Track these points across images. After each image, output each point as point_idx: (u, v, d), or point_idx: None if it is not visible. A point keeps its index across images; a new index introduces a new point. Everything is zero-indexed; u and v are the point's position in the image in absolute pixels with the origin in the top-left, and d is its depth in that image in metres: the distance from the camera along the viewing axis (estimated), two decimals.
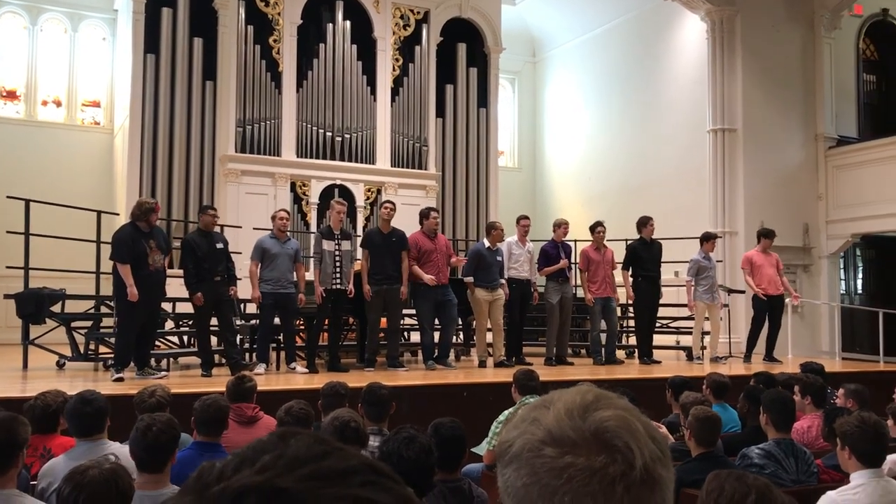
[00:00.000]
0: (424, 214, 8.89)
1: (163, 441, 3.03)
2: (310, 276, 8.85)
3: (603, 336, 9.72)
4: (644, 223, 9.84)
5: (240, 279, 8.36)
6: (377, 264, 8.41)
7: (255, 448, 0.62)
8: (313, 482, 0.58)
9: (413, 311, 9.53)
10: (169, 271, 9.61)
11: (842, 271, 14.59)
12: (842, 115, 14.28)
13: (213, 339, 8.19)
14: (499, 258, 9.05)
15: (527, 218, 9.66)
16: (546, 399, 0.87)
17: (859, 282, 15.39)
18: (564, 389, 0.88)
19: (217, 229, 8.46)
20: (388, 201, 9.07)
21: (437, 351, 8.69)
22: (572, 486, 0.78)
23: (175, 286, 8.55)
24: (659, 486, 0.80)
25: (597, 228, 9.67)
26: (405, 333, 10.70)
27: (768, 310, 10.04)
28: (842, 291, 14.46)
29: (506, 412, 4.90)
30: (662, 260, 9.98)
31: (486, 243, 9.10)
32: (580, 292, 10.30)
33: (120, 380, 6.80)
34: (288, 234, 8.39)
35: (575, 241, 11.65)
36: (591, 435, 0.80)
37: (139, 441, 3.05)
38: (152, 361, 7.74)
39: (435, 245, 8.73)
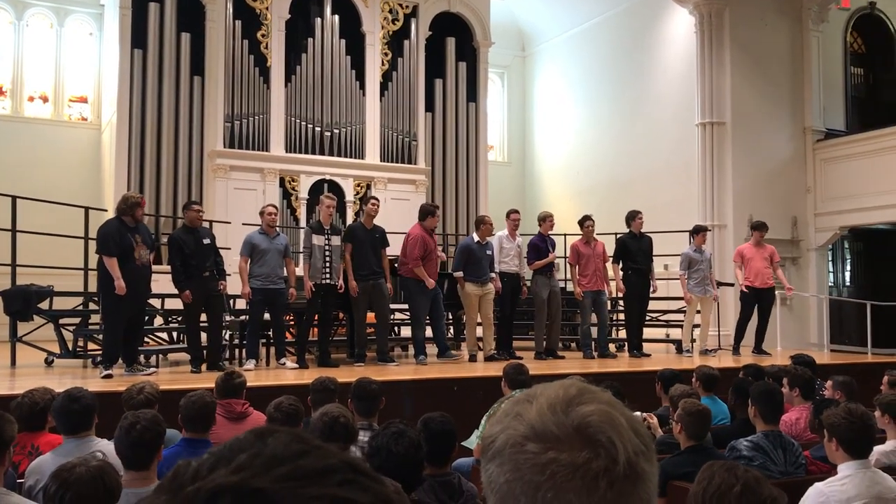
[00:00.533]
0: (430, 212, 8.85)
1: (147, 438, 3.02)
2: (299, 270, 8.82)
3: (594, 330, 9.73)
4: (632, 217, 9.86)
5: (229, 275, 8.34)
6: (361, 259, 8.42)
7: (231, 447, 0.61)
8: (290, 482, 0.57)
9: (402, 306, 9.54)
10: (157, 267, 9.56)
11: (830, 264, 14.67)
12: (829, 109, 14.34)
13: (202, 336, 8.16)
14: (488, 252, 9.05)
15: (517, 212, 9.66)
16: (529, 393, 0.86)
17: (847, 274, 15.48)
18: (548, 384, 0.87)
19: (206, 224, 8.43)
20: (375, 197, 9.08)
21: (437, 347, 8.77)
22: (555, 482, 0.77)
23: (163, 282, 8.52)
24: (642, 480, 0.79)
25: (585, 223, 9.66)
26: (394, 328, 10.70)
27: (756, 302, 10.08)
28: (830, 284, 14.54)
29: (495, 406, 4.91)
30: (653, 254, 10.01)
31: (476, 237, 9.11)
32: (568, 286, 10.32)
33: (109, 376, 6.77)
34: (277, 229, 8.37)
35: (565, 235, 11.67)
36: (574, 430, 0.80)
37: (123, 439, 3.04)
38: (141, 358, 7.71)
39: (434, 243, 8.75)
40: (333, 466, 0.59)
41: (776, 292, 10.46)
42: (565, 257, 10.60)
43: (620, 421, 0.81)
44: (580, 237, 9.74)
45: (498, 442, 0.83)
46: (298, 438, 0.61)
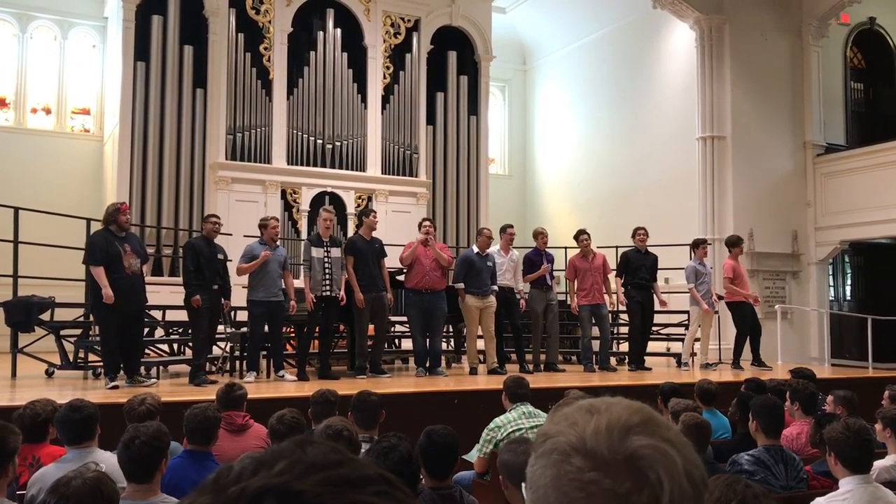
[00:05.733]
0: (418, 224, 9.09)
1: (145, 454, 3.00)
2: (299, 283, 8.83)
3: (596, 343, 9.73)
4: (633, 233, 9.92)
5: (234, 285, 8.34)
6: (364, 271, 8.44)
7: (272, 453, 0.64)
8: (329, 487, 0.60)
9: (402, 318, 9.56)
10: (159, 279, 9.53)
11: (831, 278, 14.66)
12: (830, 123, 14.37)
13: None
14: (489, 264, 9.07)
15: (512, 227, 9.70)
16: (594, 404, 0.85)
17: (848, 288, 15.48)
18: (617, 400, 0.85)
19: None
20: (374, 210, 9.13)
21: (429, 362, 8.74)
22: (591, 502, 0.76)
23: (165, 294, 8.52)
24: None
25: (581, 237, 9.68)
26: (395, 341, 10.69)
27: (750, 315, 10.10)
28: (831, 298, 14.53)
29: (497, 419, 4.91)
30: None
31: (476, 249, 9.15)
32: (568, 299, 10.33)
33: (115, 387, 6.76)
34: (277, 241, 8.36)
35: (565, 248, 11.68)
36: (625, 459, 0.78)
37: (123, 453, 3.04)
38: (142, 370, 7.70)
39: (426, 251, 8.80)
40: (370, 477, 0.62)
41: (776, 307, 10.44)
42: (561, 271, 10.62)
43: (676, 462, 0.78)
44: (577, 252, 9.75)
45: (547, 444, 0.82)
46: (336, 449, 0.65)
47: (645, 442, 0.79)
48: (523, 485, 0.86)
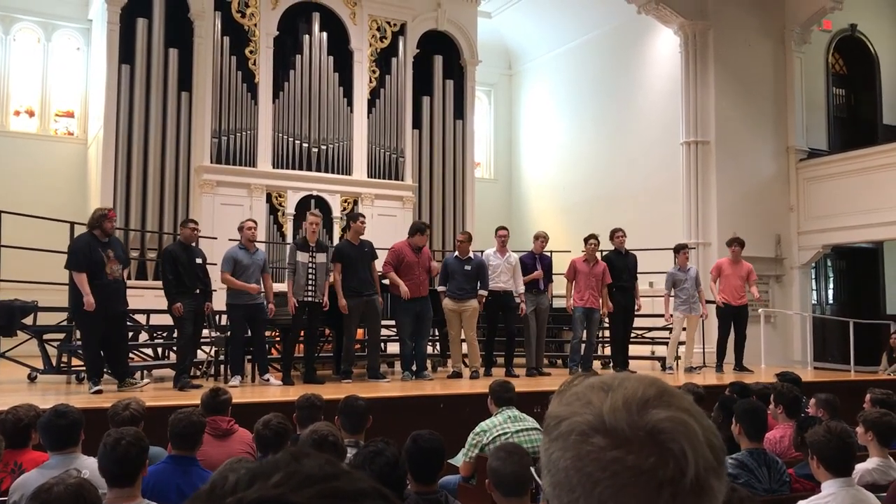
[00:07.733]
0: (419, 229, 8.97)
1: (131, 455, 3.00)
2: (283, 286, 8.80)
3: (582, 347, 9.76)
4: (612, 235, 9.98)
5: (215, 290, 8.30)
6: (352, 276, 8.41)
7: (268, 464, 0.64)
8: (325, 500, 0.60)
9: (391, 323, 9.56)
10: (143, 283, 9.48)
11: (813, 282, 14.78)
12: (812, 128, 14.49)
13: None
14: (467, 268, 9.04)
15: (504, 229, 9.71)
16: (605, 382, 0.83)
17: (830, 292, 15.60)
18: (628, 376, 0.85)
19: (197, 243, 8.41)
20: (362, 214, 9.09)
21: (415, 365, 8.74)
22: (615, 482, 0.75)
23: (149, 297, 8.46)
24: (707, 497, 0.77)
25: (589, 241, 9.69)
26: (381, 345, 10.67)
27: (732, 319, 10.17)
28: (813, 301, 14.65)
29: (482, 423, 4.92)
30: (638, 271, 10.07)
31: (455, 254, 9.20)
32: (560, 303, 10.35)
33: (99, 392, 6.71)
34: (256, 244, 8.33)
35: (551, 252, 11.71)
36: (646, 433, 0.77)
37: (108, 455, 3.02)
38: (136, 374, 7.64)
39: (418, 259, 8.75)
40: (365, 490, 0.63)
41: (760, 310, 10.51)
42: (552, 273, 10.64)
43: (696, 431, 0.78)
44: (582, 254, 9.77)
45: (563, 426, 0.81)
46: (330, 462, 0.65)
47: (664, 414, 0.78)
48: (533, 469, 0.86)
